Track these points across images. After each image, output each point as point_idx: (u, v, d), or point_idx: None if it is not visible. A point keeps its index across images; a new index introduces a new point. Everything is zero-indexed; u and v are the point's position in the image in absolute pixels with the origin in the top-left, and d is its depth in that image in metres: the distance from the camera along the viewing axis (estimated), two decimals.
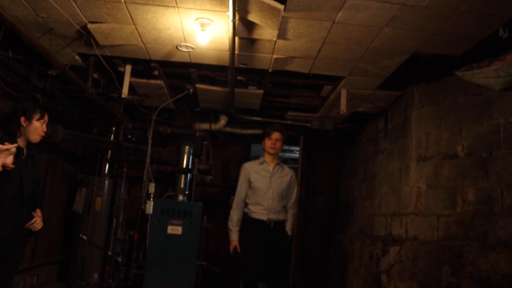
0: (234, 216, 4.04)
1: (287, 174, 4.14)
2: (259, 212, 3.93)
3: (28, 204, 2.90)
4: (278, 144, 4.06)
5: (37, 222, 2.92)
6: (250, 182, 4.03)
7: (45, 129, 2.93)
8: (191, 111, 6.10)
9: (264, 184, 3.98)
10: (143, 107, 5.49)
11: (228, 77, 4.46)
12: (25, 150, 2.91)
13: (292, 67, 4.24)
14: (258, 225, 3.91)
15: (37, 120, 2.87)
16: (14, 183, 2.78)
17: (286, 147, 8.48)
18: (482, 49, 3.48)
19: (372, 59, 3.91)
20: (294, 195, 4.15)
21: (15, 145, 2.40)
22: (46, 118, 2.93)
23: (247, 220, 3.98)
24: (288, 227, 4.07)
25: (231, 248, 3.97)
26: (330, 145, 7.04)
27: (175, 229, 5.15)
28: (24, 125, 2.85)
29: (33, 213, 2.92)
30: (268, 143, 4.06)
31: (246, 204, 4.04)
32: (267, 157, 4.10)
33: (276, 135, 4.04)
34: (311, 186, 6.97)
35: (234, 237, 3.98)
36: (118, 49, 4.09)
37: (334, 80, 4.61)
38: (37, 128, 2.87)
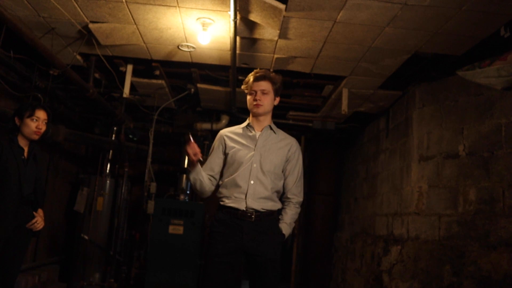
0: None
1: (285, 144, 2.63)
2: (233, 197, 2.49)
3: (29, 204, 2.91)
4: (266, 98, 2.55)
5: (37, 222, 2.93)
6: (226, 154, 2.59)
7: (40, 126, 2.93)
8: (192, 111, 6.10)
9: (246, 156, 2.53)
10: (144, 107, 5.50)
11: (229, 77, 4.46)
12: (25, 150, 2.92)
13: (294, 66, 4.24)
14: (231, 217, 2.47)
15: (28, 117, 2.89)
16: (14, 183, 2.79)
17: None
18: (483, 48, 3.48)
19: (374, 58, 3.90)
20: (296, 175, 2.61)
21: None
22: (39, 115, 2.93)
23: (218, 210, 2.55)
24: (285, 222, 2.54)
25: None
26: (332, 145, 7.04)
27: (176, 229, 5.17)
28: (18, 124, 2.90)
29: (34, 213, 2.93)
30: (249, 99, 2.59)
31: (217, 187, 2.61)
32: (253, 119, 2.65)
33: (259, 85, 2.54)
34: (313, 185, 6.97)
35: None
36: (120, 49, 4.10)
37: (336, 80, 4.61)
38: (28, 126, 2.89)
